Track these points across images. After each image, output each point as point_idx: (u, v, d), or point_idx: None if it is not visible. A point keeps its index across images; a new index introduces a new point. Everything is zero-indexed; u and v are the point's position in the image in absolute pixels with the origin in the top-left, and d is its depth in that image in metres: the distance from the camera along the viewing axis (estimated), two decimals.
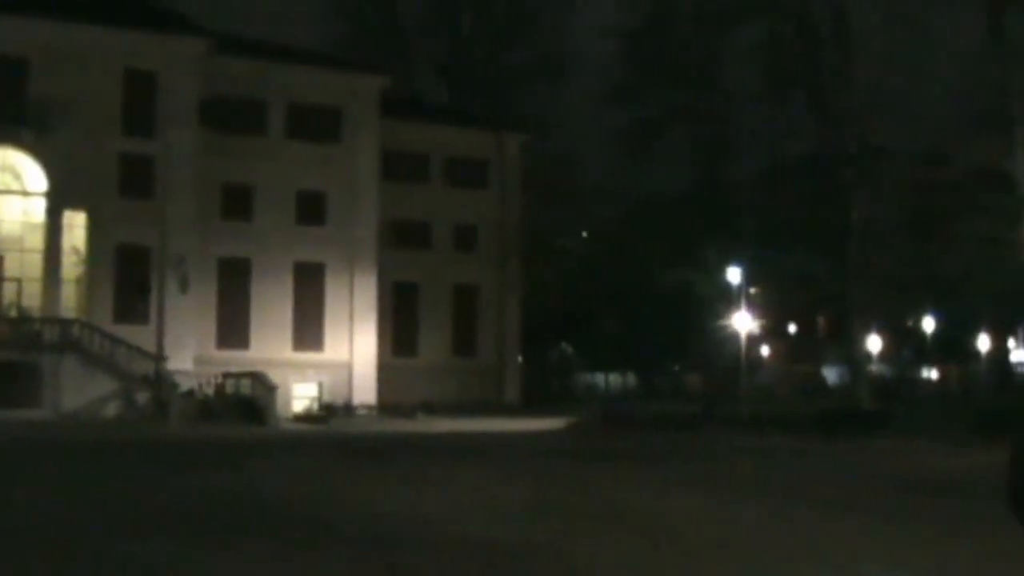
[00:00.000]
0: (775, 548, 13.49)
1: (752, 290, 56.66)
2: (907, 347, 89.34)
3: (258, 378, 47.91)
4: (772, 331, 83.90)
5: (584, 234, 72.76)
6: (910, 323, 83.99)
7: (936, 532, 14.70)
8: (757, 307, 57.95)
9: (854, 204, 49.56)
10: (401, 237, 59.67)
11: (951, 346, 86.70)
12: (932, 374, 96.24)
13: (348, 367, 55.31)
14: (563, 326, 74.23)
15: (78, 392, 45.79)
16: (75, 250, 50.40)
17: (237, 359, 52.01)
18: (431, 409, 52.55)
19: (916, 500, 18.61)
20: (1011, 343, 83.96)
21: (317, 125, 55.47)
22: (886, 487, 20.74)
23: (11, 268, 50.65)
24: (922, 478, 22.38)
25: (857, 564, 12.13)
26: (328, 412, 50.50)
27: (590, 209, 68.57)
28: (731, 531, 14.87)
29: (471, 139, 63.09)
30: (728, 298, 53.00)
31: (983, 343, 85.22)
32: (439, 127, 62.12)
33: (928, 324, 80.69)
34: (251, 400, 47.58)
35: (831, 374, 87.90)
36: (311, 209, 55.52)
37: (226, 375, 49.93)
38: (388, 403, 53.73)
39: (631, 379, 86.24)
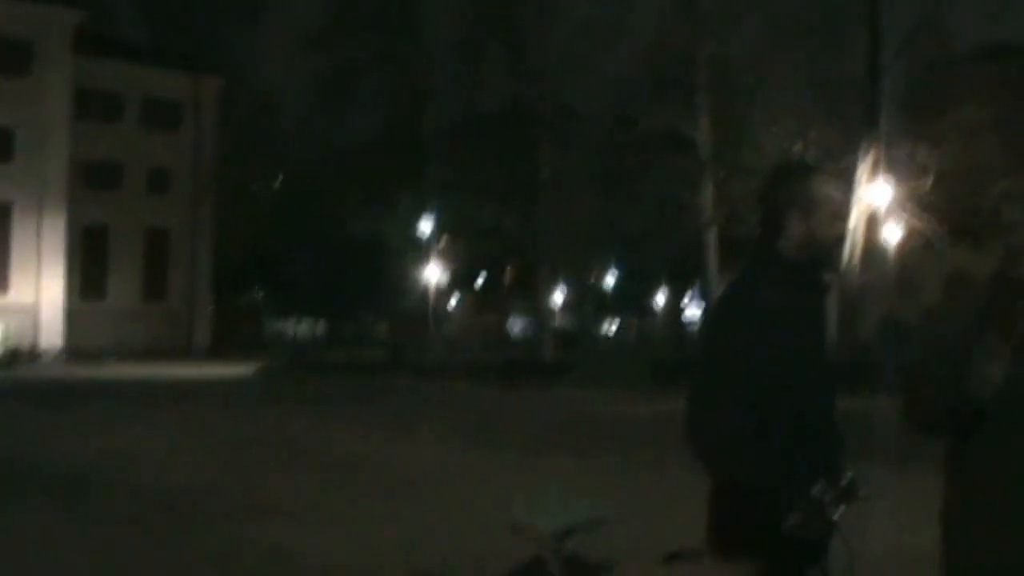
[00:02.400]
0: (460, 483, 14.23)
1: (442, 240, 57.88)
2: (590, 300, 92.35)
3: None
4: (461, 281, 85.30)
5: (278, 180, 72.35)
6: (593, 277, 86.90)
7: (618, 468, 15.57)
8: (447, 257, 59.16)
9: (544, 160, 51.20)
10: (93, 178, 57.87)
11: (631, 301, 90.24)
12: (612, 327, 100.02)
13: (34, 310, 53.67)
14: (255, 272, 73.87)
15: None
16: None
17: None
18: (120, 354, 51.93)
19: (598, 442, 19.65)
20: (686, 299, 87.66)
21: (5, 59, 53.37)
22: (569, 431, 21.80)
23: None
24: (603, 422, 23.62)
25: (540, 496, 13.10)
26: (13, 357, 49.21)
27: (286, 155, 68.25)
28: (420, 469, 15.59)
29: (168, 80, 61.58)
30: (419, 247, 54.08)
31: (661, 299, 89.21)
32: (136, 67, 60.13)
33: (610, 279, 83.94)
34: None
35: (517, 325, 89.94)
36: None
37: None
38: (76, 348, 52.80)
39: (321, 326, 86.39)
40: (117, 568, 9.50)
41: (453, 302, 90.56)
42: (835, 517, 3.75)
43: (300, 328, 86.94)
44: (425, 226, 54.48)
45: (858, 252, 37.54)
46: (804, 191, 4.19)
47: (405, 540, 10.13)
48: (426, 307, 55.79)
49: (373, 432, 21.15)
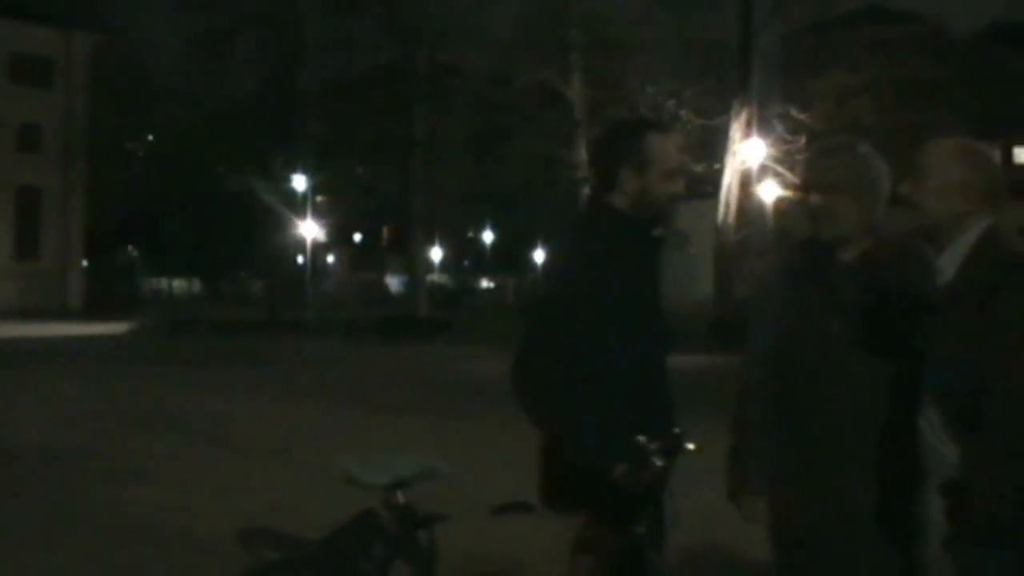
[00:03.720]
0: (332, 445, 13.55)
1: (319, 198, 57.52)
2: (467, 258, 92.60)
3: None
4: (338, 239, 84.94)
5: (151, 137, 71.29)
6: (471, 235, 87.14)
7: (487, 428, 15.39)
8: (324, 215, 58.78)
9: (419, 119, 51.09)
10: None
11: (508, 258, 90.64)
12: (490, 284, 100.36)
13: None
14: (130, 231, 72.87)
15: None
16: None
17: None
18: None
19: (467, 400, 19.62)
20: None
21: None
22: (441, 391, 21.91)
23: None
24: (474, 381, 23.34)
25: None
26: None
27: (161, 113, 67.21)
28: (293, 431, 15.56)
29: (39, 36, 60.28)
30: (294, 206, 53.68)
31: (538, 256, 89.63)
32: (4, 20, 58.76)
33: (487, 236, 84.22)
34: None
35: (395, 282, 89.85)
36: None
37: None
38: None
39: (197, 285, 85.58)
40: None
41: (331, 260, 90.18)
42: (660, 468, 3.82)
43: (176, 287, 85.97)
44: (301, 184, 54.07)
45: (733, 210, 38.06)
46: (638, 148, 4.23)
47: (274, 502, 10.12)
48: (303, 265, 55.46)
49: (248, 393, 21.03)
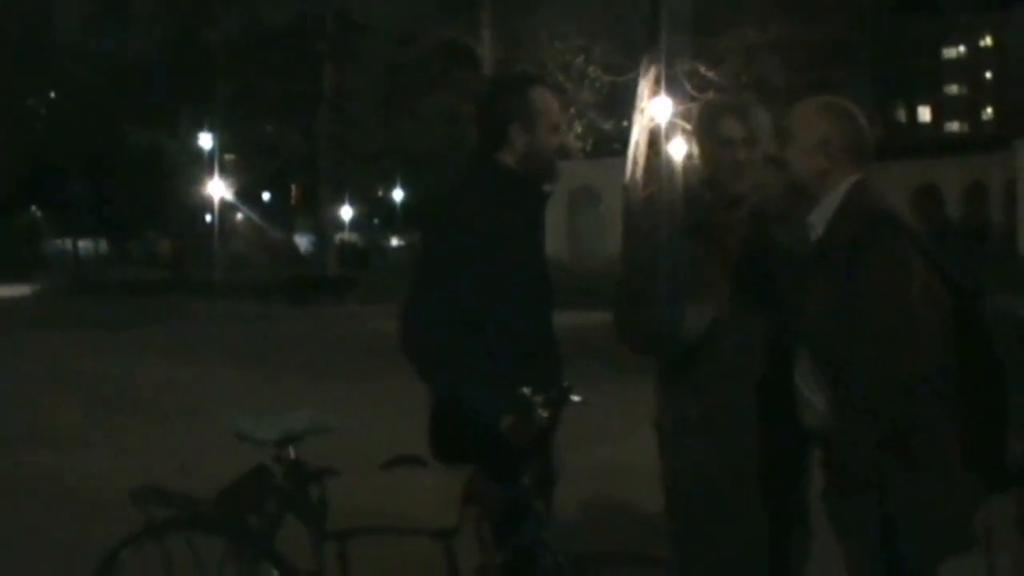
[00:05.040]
0: (235, 407, 14.21)
1: (228, 157, 57.00)
2: (377, 216, 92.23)
3: None
4: (247, 199, 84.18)
5: (53, 95, 70.12)
6: (381, 193, 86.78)
7: (393, 385, 15.58)
8: (231, 174, 58.26)
9: (327, 77, 50.76)
10: None
11: (418, 216, 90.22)
12: (400, 242, 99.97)
13: None
14: (33, 190, 71.65)
15: None
16: None
17: None
18: None
19: (368, 361, 18.90)
20: None
21: None
22: (346, 351, 21.90)
23: None
24: (385, 340, 23.73)
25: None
26: None
27: (64, 70, 66.07)
28: (199, 394, 15.42)
29: None
30: (201, 164, 53.19)
31: None
32: None
33: (398, 195, 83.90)
34: None
35: (304, 241, 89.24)
36: None
37: None
38: None
39: (104, 245, 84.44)
40: None
41: (240, 219, 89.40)
42: (545, 420, 3.87)
43: (82, 248, 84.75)
44: (208, 143, 53.54)
45: (641, 167, 38.21)
46: (525, 103, 4.26)
47: (179, 463, 10.09)
48: (212, 225, 54.97)
49: (154, 354, 20.85)
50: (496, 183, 4.26)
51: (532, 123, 4.25)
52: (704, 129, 4.46)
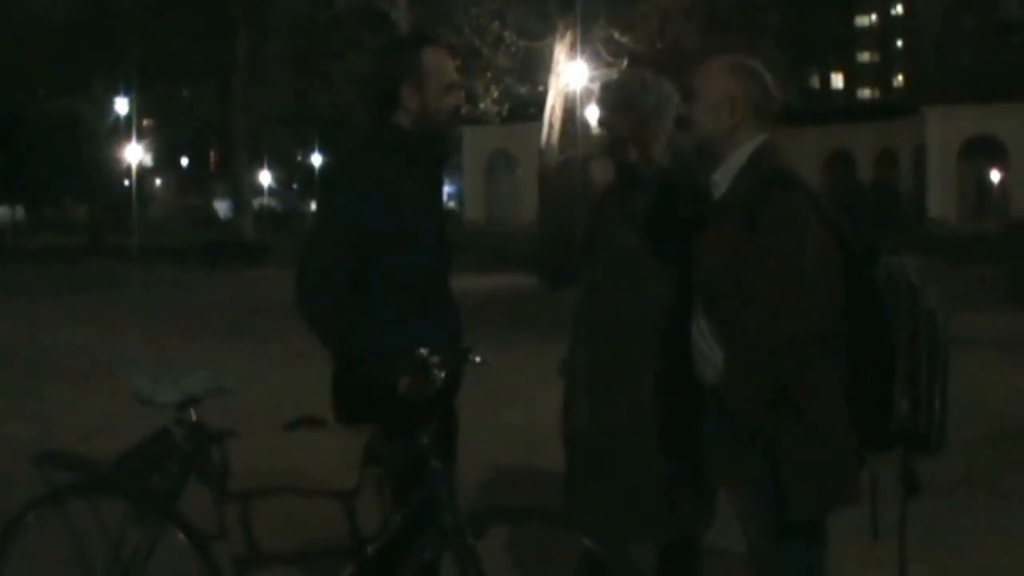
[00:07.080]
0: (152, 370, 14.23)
1: (144, 122, 56.36)
2: (297, 182, 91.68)
3: None
4: (165, 164, 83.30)
5: None
6: (300, 158, 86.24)
7: (304, 348, 15.66)
8: (149, 139, 57.61)
9: (241, 39, 50.27)
10: None
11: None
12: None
13: None
14: None
15: None
16: None
17: None
18: None
19: (291, 323, 19.77)
20: None
21: None
22: (260, 314, 21.74)
23: None
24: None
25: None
26: None
27: None
28: (114, 358, 15.31)
29: None
30: (118, 129, 52.58)
31: None
32: None
33: (316, 159, 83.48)
34: None
35: (223, 207, 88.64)
36: None
37: None
38: None
39: (19, 212, 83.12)
40: None
41: (159, 184, 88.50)
42: (442, 380, 3.94)
43: None
44: (124, 107, 52.90)
45: (556, 132, 38.32)
46: (417, 64, 4.30)
47: (89, 427, 10.04)
48: (128, 190, 54.40)
49: (68, 320, 20.88)
50: (390, 144, 4.30)
51: (423, 83, 4.28)
52: (622, 98, 4.59)
